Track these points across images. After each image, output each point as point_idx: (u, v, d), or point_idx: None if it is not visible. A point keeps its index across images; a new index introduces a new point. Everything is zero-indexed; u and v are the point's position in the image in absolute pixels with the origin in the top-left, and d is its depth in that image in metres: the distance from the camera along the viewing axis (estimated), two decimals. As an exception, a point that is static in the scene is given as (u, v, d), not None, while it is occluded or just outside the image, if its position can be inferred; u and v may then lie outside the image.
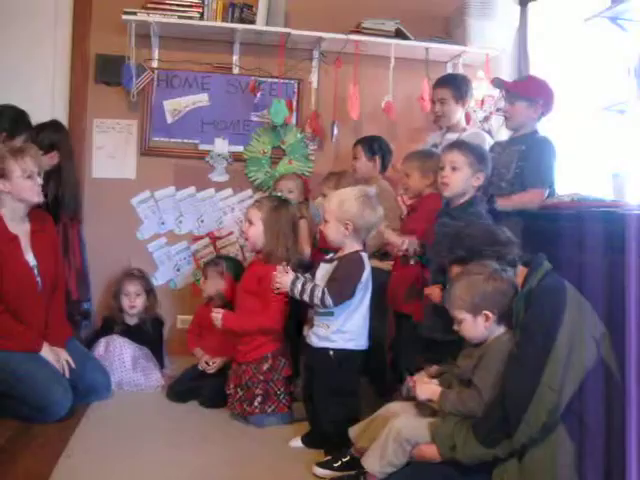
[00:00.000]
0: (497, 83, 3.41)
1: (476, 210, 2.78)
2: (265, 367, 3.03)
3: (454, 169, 2.76)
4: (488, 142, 3.61)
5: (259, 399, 3.01)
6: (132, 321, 3.80)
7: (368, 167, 3.80)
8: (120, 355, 3.49)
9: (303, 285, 2.68)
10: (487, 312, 2.20)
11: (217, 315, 3.06)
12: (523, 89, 3.22)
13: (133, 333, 3.70)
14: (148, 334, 3.76)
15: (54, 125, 3.76)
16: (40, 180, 3.11)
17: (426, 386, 2.32)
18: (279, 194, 3.35)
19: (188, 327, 3.83)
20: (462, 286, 2.23)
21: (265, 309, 3.02)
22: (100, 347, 3.55)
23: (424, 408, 2.38)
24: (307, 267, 3.13)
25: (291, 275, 2.75)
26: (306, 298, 2.66)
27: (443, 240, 2.53)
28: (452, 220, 2.74)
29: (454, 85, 3.67)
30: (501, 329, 2.24)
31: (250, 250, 3.27)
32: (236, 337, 3.08)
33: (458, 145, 2.84)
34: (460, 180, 2.77)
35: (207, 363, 3.45)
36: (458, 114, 3.71)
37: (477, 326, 2.23)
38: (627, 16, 3.42)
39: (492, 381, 2.14)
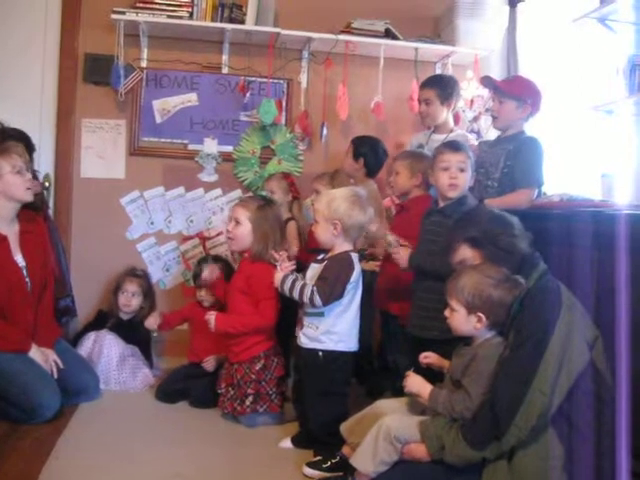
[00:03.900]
0: (486, 82, 3.42)
1: (468, 208, 2.78)
2: (257, 367, 3.03)
3: (461, 170, 2.77)
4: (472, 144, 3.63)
5: (250, 398, 3.00)
6: (125, 317, 3.83)
7: (352, 167, 3.80)
8: (108, 354, 3.49)
9: (293, 282, 2.68)
10: (482, 315, 2.19)
11: (210, 317, 3.05)
12: (512, 88, 3.23)
13: (124, 328, 3.72)
14: (138, 332, 3.75)
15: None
16: (29, 175, 3.09)
17: (417, 380, 2.31)
18: (264, 194, 3.35)
19: (171, 311, 3.81)
20: (470, 281, 2.20)
21: (257, 308, 3.02)
22: (89, 341, 3.56)
23: (414, 406, 2.38)
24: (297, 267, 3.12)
25: (282, 271, 2.74)
26: (295, 295, 2.66)
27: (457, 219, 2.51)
28: (445, 218, 2.75)
29: (439, 86, 3.68)
30: (490, 333, 2.24)
31: (235, 249, 3.24)
32: (229, 337, 3.07)
33: (462, 147, 2.84)
34: (467, 181, 2.79)
35: (201, 362, 3.44)
36: (444, 115, 3.71)
37: (467, 323, 2.23)
38: (615, 17, 3.45)
39: (481, 386, 2.14)
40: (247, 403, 3.00)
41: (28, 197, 3.11)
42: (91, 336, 3.58)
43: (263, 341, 3.06)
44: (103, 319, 3.83)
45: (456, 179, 2.76)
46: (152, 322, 3.50)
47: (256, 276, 2.98)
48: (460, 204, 2.78)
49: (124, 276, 3.92)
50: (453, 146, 2.86)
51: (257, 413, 3.02)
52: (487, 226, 2.31)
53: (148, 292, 3.93)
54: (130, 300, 3.82)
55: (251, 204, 3.10)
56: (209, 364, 3.39)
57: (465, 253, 2.34)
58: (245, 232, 3.07)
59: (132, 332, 3.73)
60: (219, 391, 3.12)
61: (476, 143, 3.67)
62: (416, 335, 2.80)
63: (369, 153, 3.79)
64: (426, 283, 2.75)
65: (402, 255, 2.80)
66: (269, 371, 3.05)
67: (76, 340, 3.65)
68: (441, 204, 2.84)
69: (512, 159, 3.12)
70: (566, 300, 2.12)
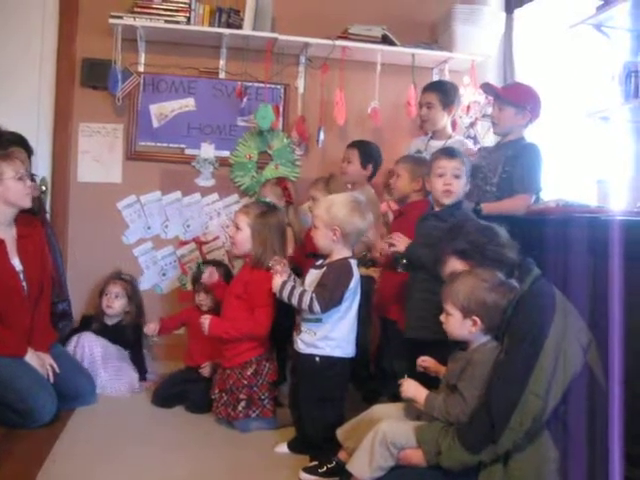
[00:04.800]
0: (486, 89, 3.43)
1: (463, 212, 2.81)
2: (249, 372, 3.03)
3: (456, 177, 2.79)
4: None
5: (243, 404, 3.00)
6: (110, 321, 3.78)
7: (360, 173, 3.76)
8: (90, 353, 3.48)
9: (292, 289, 2.68)
10: (477, 319, 2.20)
11: (205, 320, 3.06)
12: (512, 95, 3.24)
13: (109, 333, 3.69)
14: (125, 336, 3.74)
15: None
16: (30, 182, 3.10)
17: (413, 386, 2.32)
18: (267, 200, 3.36)
19: (169, 316, 3.82)
20: (465, 285, 2.22)
21: (252, 315, 3.02)
22: (71, 344, 3.53)
23: (411, 411, 2.39)
24: (294, 271, 3.13)
25: (281, 277, 2.74)
26: (294, 302, 2.66)
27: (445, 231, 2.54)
28: (440, 222, 2.76)
29: (442, 91, 3.71)
30: (485, 338, 2.25)
31: (237, 255, 3.25)
32: (222, 342, 3.08)
33: (457, 153, 2.87)
34: (461, 187, 2.82)
35: (198, 366, 3.44)
36: (444, 120, 3.73)
37: (462, 327, 2.24)
38: (611, 23, 3.46)
39: (477, 389, 2.15)
40: (240, 408, 3.00)
41: (27, 203, 3.11)
42: (73, 340, 3.55)
43: (255, 347, 3.05)
44: (87, 323, 3.77)
45: (450, 185, 2.79)
46: (152, 328, 3.51)
47: (254, 283, 2.99)
48: (456, 208, 2.81)
49: (108, 279, 3.89)
50: (448, 153, 2.88)
51: (250, 418, 3.02)
52: (474, 237, 2.34)
53: (133, 296, 3.88)
54: (112, 302, 3.76)
55: (252, 210, 3.11)
56: (206, 370, 3.39)
57: (454, 265, 2.36)
58: (244, 237, 3.07)
59: (117, 337, 3.70)
60: (213, 396, 3.12)
61: (474, 149, 3.68)
62: (412, 337, 2.81)
63: (378, 158, 3.79)
64: (422, 285, 2.78)
65: (401, 239, 2.82)
66: (261, 376, 3.05)
67: (62, 344, 3.61)
68: (437, 209, 2.86)
69: (511, 165, 3.13)
70: (560, 304, 2.14)
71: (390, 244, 2.86)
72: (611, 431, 2.02)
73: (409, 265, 2.85)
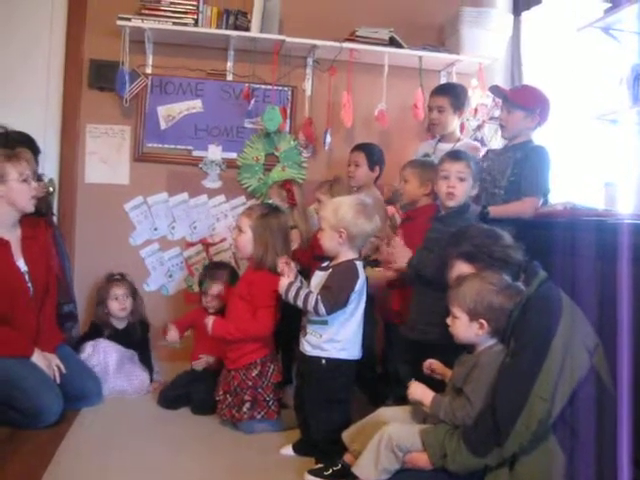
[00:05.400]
0: (495, 91, 3.42)
1: (466, 217, 2.80)
2: (254, 373, 3.02)
3: (461, 180, 2.79)
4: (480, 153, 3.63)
5: (247, 405, 3.00)
6: (120, 325, 3.78)
7: (368, 176, 3.77)
8: (105, 360, 3.48)
9: (298, 290, 2.67)
10: (484, 322, 2.20)
11: (209, 321, 3.06)
12: (521, 98, 3.23)
13: (122, 336, 3.70)
14: (137, 337, 3.76)
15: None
16: (35, 184, 3.10)
17: (419, 388, 2.32)
18: (270, 201, 3.36)
19: (177, 319, 3.77)
20: (472, 288, 2.22)
21: (254, 316, 3.02)
22: (86, 352, 3.52)
23: (417, 414, 2.38)
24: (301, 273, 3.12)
25: (288, 278, 2.74)
26: (299, 304, 2.65)
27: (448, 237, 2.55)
28: (443, 226, 2.76)
29: (453, 94, 3.69)
30: (492, 341, 2.25)
31: (241, 257, 3.26)
32: (226, 344, 3.08)
33: (463, 156, 2.87)
34: (465, 191, 2.81)
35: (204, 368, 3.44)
36: (454, 124, 3.72)
37: (469, 330, 2.24)
38: (619, 26, 3.45)
39: (483, 392, 2.14)
40: (244, 410, 3.00)
41: (30, 207, 3.11)
42: (88, 346, 3.55)
43: (259, 348, 3.05)
44: (98, 330, 3.73)
45: (454, 188, 2.79)
46: (174, 336, 3.45)
47: (257, 284, 2.99)
48: (461, 212, 2.81)
49: (108, 284, 3.84)
50: (453, 155, 2.89)
51: (255, 420, 3.02)
52: (479, 240, 2.34)
53: (135, 293, 3.89)
54: (124, 303, 3.76)
55: (254, 213, 3.11)
56: (199, 364, 3.41)
57: (461, 268, 2.36)
58: (246, 240, 3.07)
59: (129, 339, 3.71)
60: (217, 398, 3.12)
61: (483, 152, 3.67)
62: (416, 339, 2.81)
63: (383, 159, 3.79)
64: (425, 288, 2.78)
65: (400, 255, 2.84)
66: (266, 378, 3.04)
67: (74, 348, 3.59)
68: (442, 213, 2.86)
69: (519, 167, 3.12)
70: (567, 307, 2.13)
71: (389, 261, 2.87)
72: (619, 435, 2.01)
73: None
